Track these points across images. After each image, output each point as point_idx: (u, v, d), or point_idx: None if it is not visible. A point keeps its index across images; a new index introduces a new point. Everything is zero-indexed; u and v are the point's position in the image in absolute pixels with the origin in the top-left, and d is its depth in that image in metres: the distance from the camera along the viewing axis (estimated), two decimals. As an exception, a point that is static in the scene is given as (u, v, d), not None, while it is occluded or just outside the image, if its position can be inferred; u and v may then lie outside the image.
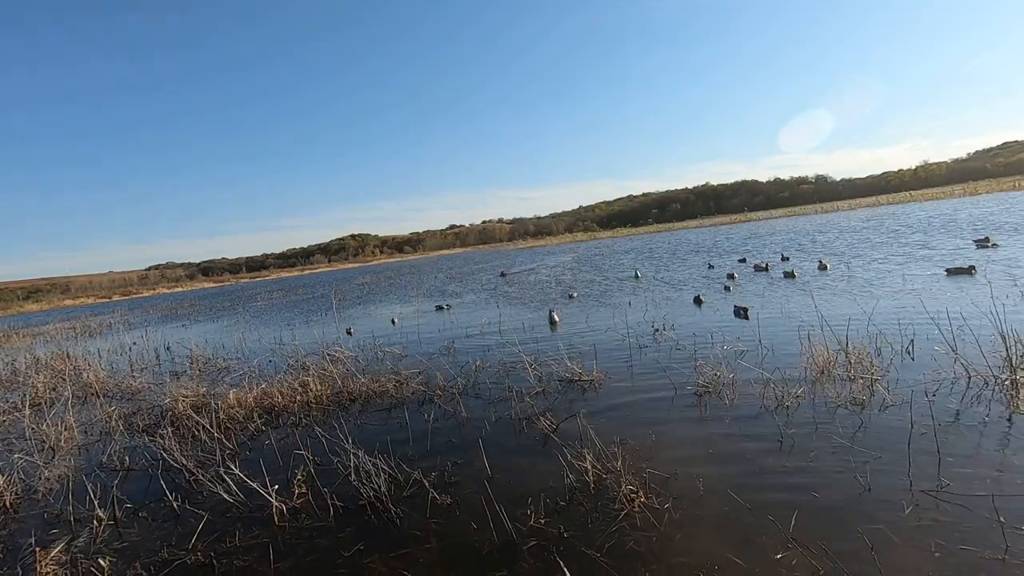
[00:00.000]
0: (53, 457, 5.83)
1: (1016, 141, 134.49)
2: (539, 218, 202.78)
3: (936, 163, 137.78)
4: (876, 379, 5.13)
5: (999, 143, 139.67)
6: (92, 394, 8.91)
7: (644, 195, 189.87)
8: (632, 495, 3.49)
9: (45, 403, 8.50)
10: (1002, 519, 2.88)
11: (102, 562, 3.46)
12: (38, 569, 3.43)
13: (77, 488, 4.77)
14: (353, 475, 4.17)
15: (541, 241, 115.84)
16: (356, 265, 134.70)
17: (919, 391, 4.80)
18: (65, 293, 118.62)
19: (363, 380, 7.13)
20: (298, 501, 4.07)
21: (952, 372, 5.11)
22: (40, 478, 5.08)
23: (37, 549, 3.61)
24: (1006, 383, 4.69)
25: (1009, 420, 4.10)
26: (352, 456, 4.28)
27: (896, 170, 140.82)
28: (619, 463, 3.81)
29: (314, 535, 3.61)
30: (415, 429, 5.40)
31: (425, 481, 4.08)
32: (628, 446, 4.33)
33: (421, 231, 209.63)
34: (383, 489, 3.95)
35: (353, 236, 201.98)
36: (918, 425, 4.06)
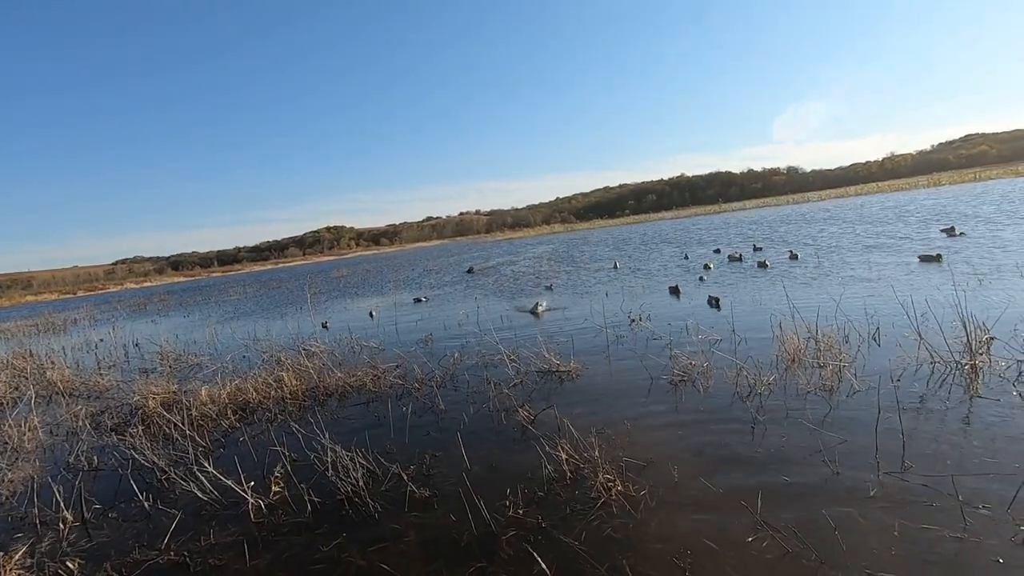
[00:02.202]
0: (16, 459, 5.64)
1: (978, 133, 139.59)
2: (517, 210, 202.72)
3: (902, 155, 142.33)
4: (844, 365, 5.28)
5: (961, 136, 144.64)
6: (57, 393, 8.64)
7: (620, 186, 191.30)
8: (609, 484, 3.53)
9: (7, 403, 8.21)
10: (961, 498, 3.00)
11: (70, 564, 3.37)
12: (2, 574, 3.32)
13: (43, 490, 4.62)
14: (330, 470, 4.14)
15: (519, 233, 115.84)
16: (332, 258, 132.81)
17: (885, 376, 4.95)
18: (27, 289, 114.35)
19: (340, 374, 7.05)
20: (274, 498, 4.01)
21: (916, 358, 5.28)
22: (3, 480, 4.92)
23: (0, 554, 3.50)
24: (967, 368, 4.87)
25: (969, 403, 4.26)
26: (329, 451, 4.24)
27: (864, 162, 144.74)
28: (596, 452, 3.85)
29: (291, 531, 3.57)
30: (393, 423, 5.38)
31: (403, 475, 4.07)
32: (605, 435, 4.38)
33: (398, 223, 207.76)
34: (361, 483, 3.92)
35: (328, 228, 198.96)
36: (884, 409, 4.20)
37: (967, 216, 20.19)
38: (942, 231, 15.88)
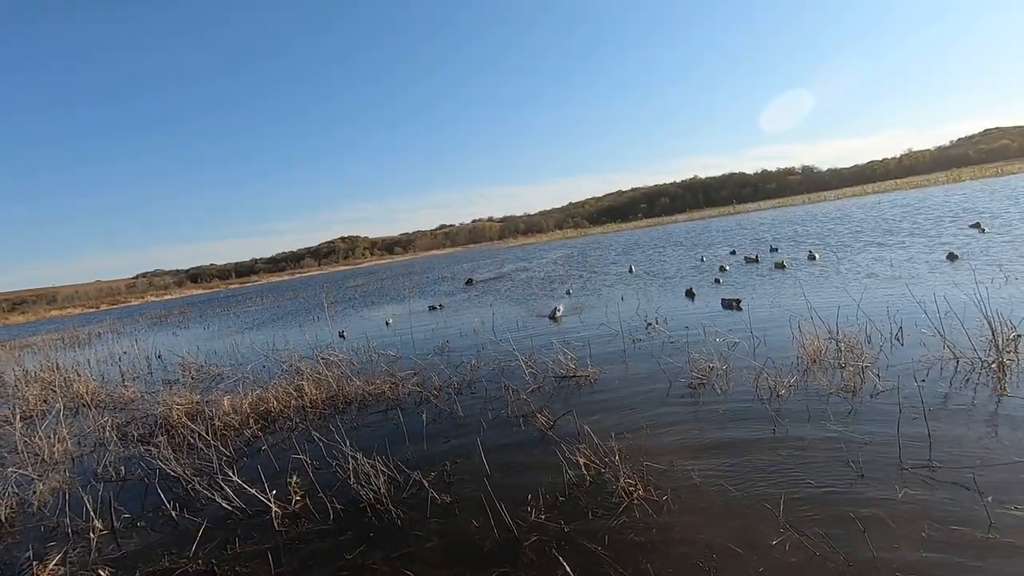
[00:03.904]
0: (47, 470, 5.77)
1: (997, 128, 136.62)
2: (529, 216, 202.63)
3: (920, 151, 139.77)
4: (866, 366, 5.20)
5: (980, 130, 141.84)
6: (84, 405, 8.82)
7: (633, 190, 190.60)
8: (630, 488, 3.52)
9: (37, 415, 8.41)
10: (988, 498, 2.94)
11: (101, 573, 3.45)
12: (37, 582, 3.41)
13: (73, 500, 4.73)
14: (352, 477, 4.18)
15: (531, 239, 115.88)
16: (346, 267, 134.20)
17: (909, 376, 4.88)
18: (51, 304, 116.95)
19: (358, 383, 7.12)
20: (297, 505, 4.07)
21: (941, 356, 5.19)
22: (34, 491, 5.03)
23: (34, 562, 3.59)
24: (992, 365, 4.77)
25: (996, 401, 4.18)
26: (351, 459, 4.28)
27: (881, 159, 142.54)
28: (616, 457, 3.84)
29: (315, 538, 3.61)
30: (412, 430, 5.41)
31: (424, 481, 4.09)
32: (625, 440, 4.37)
33: (411, 231, 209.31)
34: (382, 490, 3.96)
35: (343, 238, 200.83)
36: (908, 409, 4.14)
37: (991, 211, 19.79)
38: (970, 227, 15.57)
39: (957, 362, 5.04)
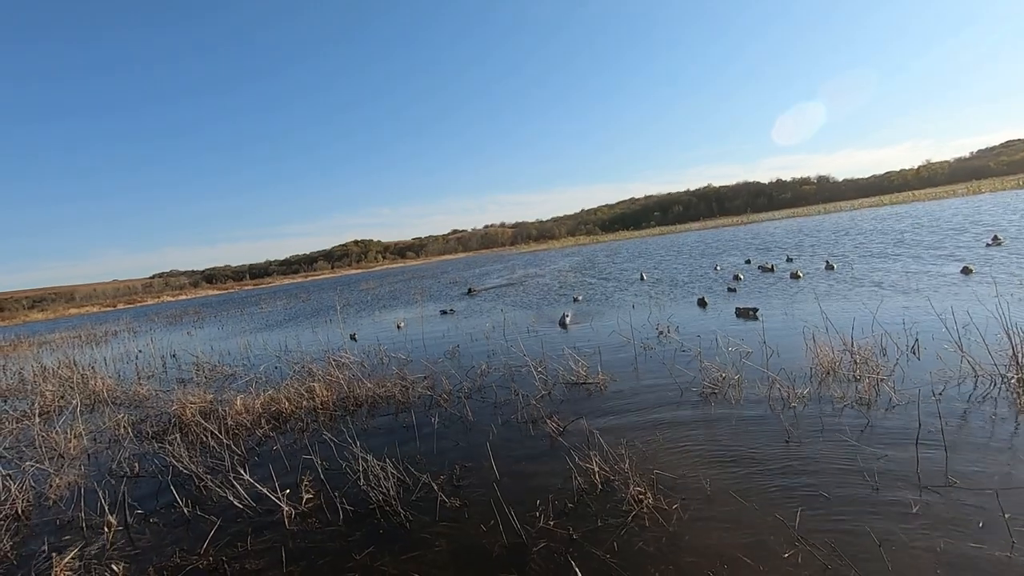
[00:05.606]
0: (63, 464, 5.87)
1: (1018, 139, 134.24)
2: (541, 222, 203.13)
3: (939, 162, 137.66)
4: (882, 379, 5.13)
5: (1001, 142, 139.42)
6: (100, 402, 8.96)
7: (646, 198, 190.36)
8: (640, 496, 3.50)
9: (54, 411, 8.55)
10: (1008, 516, 2.89)
11: (115, 567, 3.50)
12: (53, 575, 3.46)
13: (88, 495, 4.80)
14: (362, 479, 4.20)
15: (544, 245, 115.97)
16: (359, 271, 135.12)
17: (926, 390, 4.80)
18: (70, 302, 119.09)
19: (369, 385, 7.15)
20: (307, 505, 4.10)
21: (959, 371, 5.11)
22: (51, 485, 5.11)
23: (53, 555, 3.65)
24: (1013, 381, 4.69)
25: (1016, 418, 4.10)
26: (361, 460, 4.31)
27: (899, 170, 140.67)
28: (626, 464, 3.83)
29: (325, 539, 3.63)
30: (422, 433, 5.43)
31: (433, 484, 4.10)
32: (635, 447, 4.34)
33: (424, 236, 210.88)
34: (392, 492, 3.97)
35: (356, 242, 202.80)
36: (925, 424, 4.07)
37: (1003, 225, 19.44)
38: (991, 239, 15.28)
39: (976, 377, 4.96)
